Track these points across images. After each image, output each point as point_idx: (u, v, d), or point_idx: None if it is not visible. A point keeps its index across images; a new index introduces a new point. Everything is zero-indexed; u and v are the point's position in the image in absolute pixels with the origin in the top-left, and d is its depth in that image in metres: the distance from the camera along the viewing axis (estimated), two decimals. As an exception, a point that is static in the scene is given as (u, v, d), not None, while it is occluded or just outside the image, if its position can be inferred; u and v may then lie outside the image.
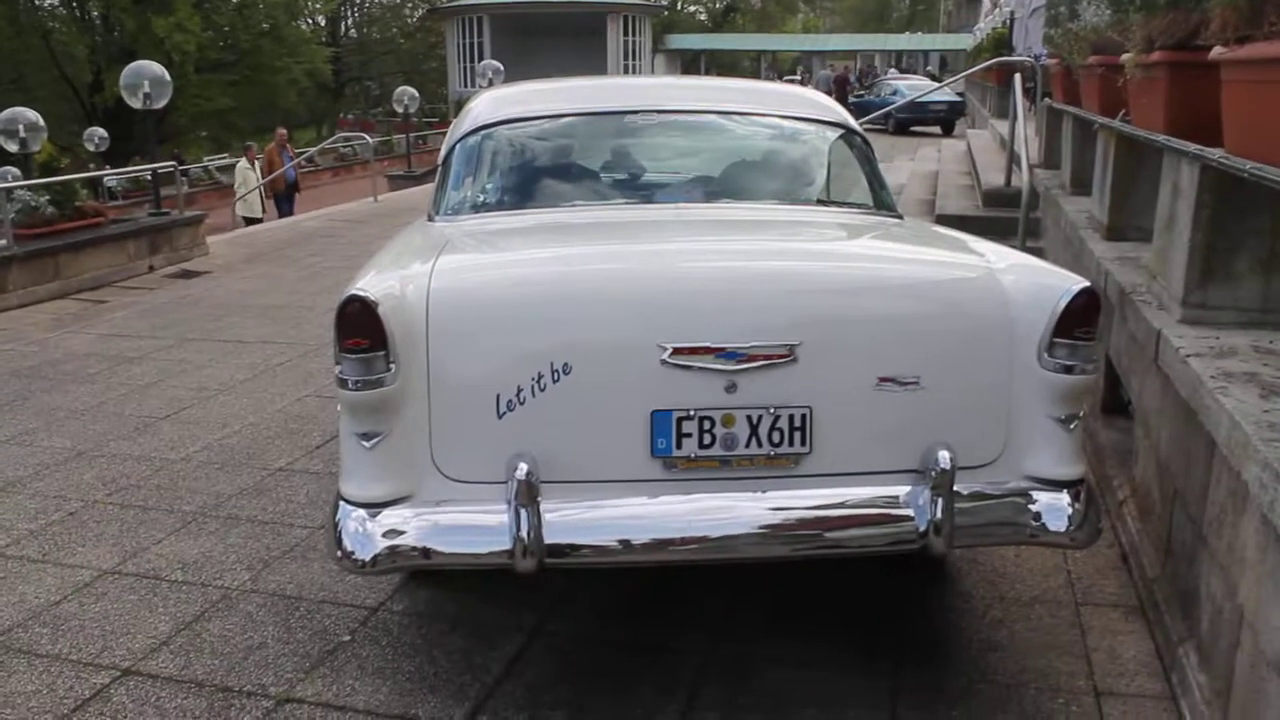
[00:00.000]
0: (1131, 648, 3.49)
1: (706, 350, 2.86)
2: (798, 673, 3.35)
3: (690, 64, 60.62)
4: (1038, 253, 7.83)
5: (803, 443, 2.92)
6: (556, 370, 2.88)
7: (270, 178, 17.66)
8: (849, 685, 3.28)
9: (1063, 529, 3.03)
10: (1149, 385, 4.01)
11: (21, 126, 10.36)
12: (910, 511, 2.89)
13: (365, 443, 2.93)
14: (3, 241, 9.55)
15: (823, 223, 3.99)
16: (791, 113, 4.46)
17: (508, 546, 2.79)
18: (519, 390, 2.88)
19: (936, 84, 30.56)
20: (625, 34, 46.75)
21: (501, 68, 21.00)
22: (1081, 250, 5.79)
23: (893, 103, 25.85)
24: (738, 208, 3.98)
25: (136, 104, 11.62)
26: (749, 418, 2.89)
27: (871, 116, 23.73)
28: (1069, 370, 2.96)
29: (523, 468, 2.78)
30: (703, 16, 68.79)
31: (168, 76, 11.92)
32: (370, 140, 20.86)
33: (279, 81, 42.95)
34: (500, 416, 2.89)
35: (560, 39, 44.74)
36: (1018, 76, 9.36)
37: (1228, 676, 2.77)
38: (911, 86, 29.52)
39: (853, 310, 3.02)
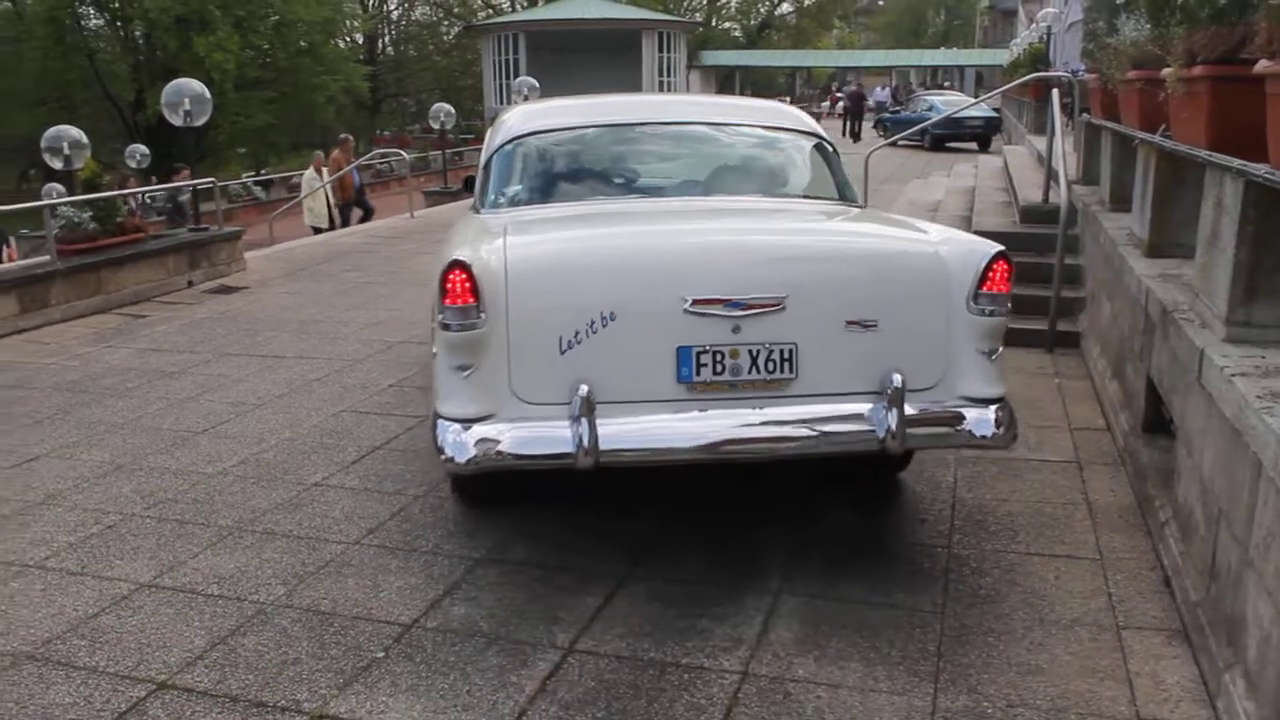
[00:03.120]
0: (1175, 673, 3.42)
1: (718, 301, 3.78)
2: (834, 694, 3.32)
3: (725, 80, 60.65)
4: (1076, 270, 7.79)
5: (790, 370, 3.86)
6: (605, 317, 3.79)
7: (337, 177, 17.48)
8: (887, 707, 3.24)
9: (989, 434, 4.02)
10: (1192, 405, 3.95)
11: (66, 144, 10.49)
12: (872, 423, 3.83)
13: (461, 373, 3.84)
14: (46, 257, 9.69)
15: (800, 210, 4.97)
16: (771, 123, 5.51)
17: (571, 450, 3.70)
18: (576, 333, 3.78)
19: (972, 99, 30.41)
20: (660, 50, 46.88)
21: (537, 84, 21.06)
22: (1122, 267, 5.72)
23: (928, 118, 25.74)
24: (729, 200, 4.95)
25: (177, 121, 11.75)
26: (750, 352, 3.82)
27: (908, 133, 23.65)
28: (990, 314, 3.96)
29: (583, 388, 3.69)
30: (737, 33, 68.84)
31: (208, 94, 12.04)
32: (406, 156, 21.01)
33: (317, 99, 43.40)
34: (562, 353, 3.79)
35: (595, 55, 44.91)
36: (1055, 92, 9.28)
37: (1277, 704, 2.71)
38: (947, 102, 29.39)
39: (826, 271, 4.01)
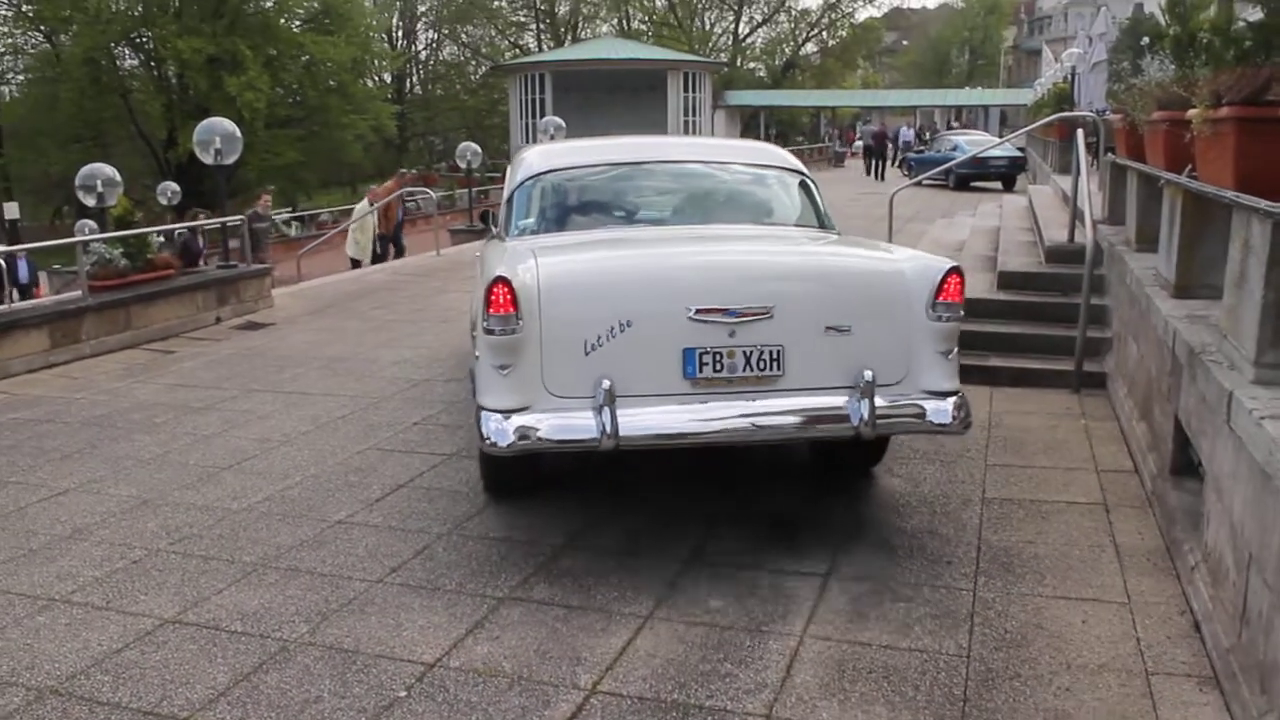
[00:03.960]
0: (1206, 720, 3.37)
1: (717, 310, 4.41)
2: (858, 739, 3.28)
3: (750, 120, 61.00)
4: (1102, 310, 7.75)
5: (778, 368, 4.49)
6: (622, 324, 4.41)
7: (382, 204, 17.60)
8: (911, 753, 3.20)
9: (946, 422, 4.61)
10: (1220, 447, 3.91)
11: (99, 182, 10.64)
12: (848, 412, 4.46)
13: (502, 372, 4.45)
14: (78, 293, 9.83)
15: (784, 236, 5.59)
16: (759, 161, 6.24)
17: (596, 435, 4.30)
18: (598, 338, 4.41)
19: (996, 139, 30.41)
20: (685, 90, 47.21)
21: (563, 124, 21.22)
22: (1148, 308, 5.69)
23: (953, 158, 25.73)
24: (723, 228, 5.58)
25: (208, 159, 11.90)
26: (744, 352, 4.46)
27: (932, 173, 23.66)
28: (945, 320, 4.60)
29: (606, 383, 4.32)
30: (762, 73, 69.24)
31: (239, 133, 12.20)
32: (433, 194, 21.17)
33: (345, 137, 43.93)
34: (586, 355, 4.40)
35: (620, 95, 45.27)
36: (1080, 132, 9.28)
37: (1309, 753, 2.66)
38: (972, 142, 29.39)
39: (807, 286, 4.67)
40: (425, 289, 13.02)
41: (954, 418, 4.61)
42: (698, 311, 4.40)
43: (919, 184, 18.53)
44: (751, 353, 4.45)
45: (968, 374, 7.46)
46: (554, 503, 5.37)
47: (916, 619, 4.08)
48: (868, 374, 4.44)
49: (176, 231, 14.85)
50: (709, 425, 4.44)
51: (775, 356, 4.47)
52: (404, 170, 20.68)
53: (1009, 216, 13.56)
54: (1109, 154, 9.17)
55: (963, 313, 4.71)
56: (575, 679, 3.67)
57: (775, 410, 4.48)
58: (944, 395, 4.63)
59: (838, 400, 4.49)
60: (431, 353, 9.06)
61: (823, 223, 5.80)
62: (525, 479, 5.37)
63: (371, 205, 17.60)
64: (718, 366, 4.44)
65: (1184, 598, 4.17)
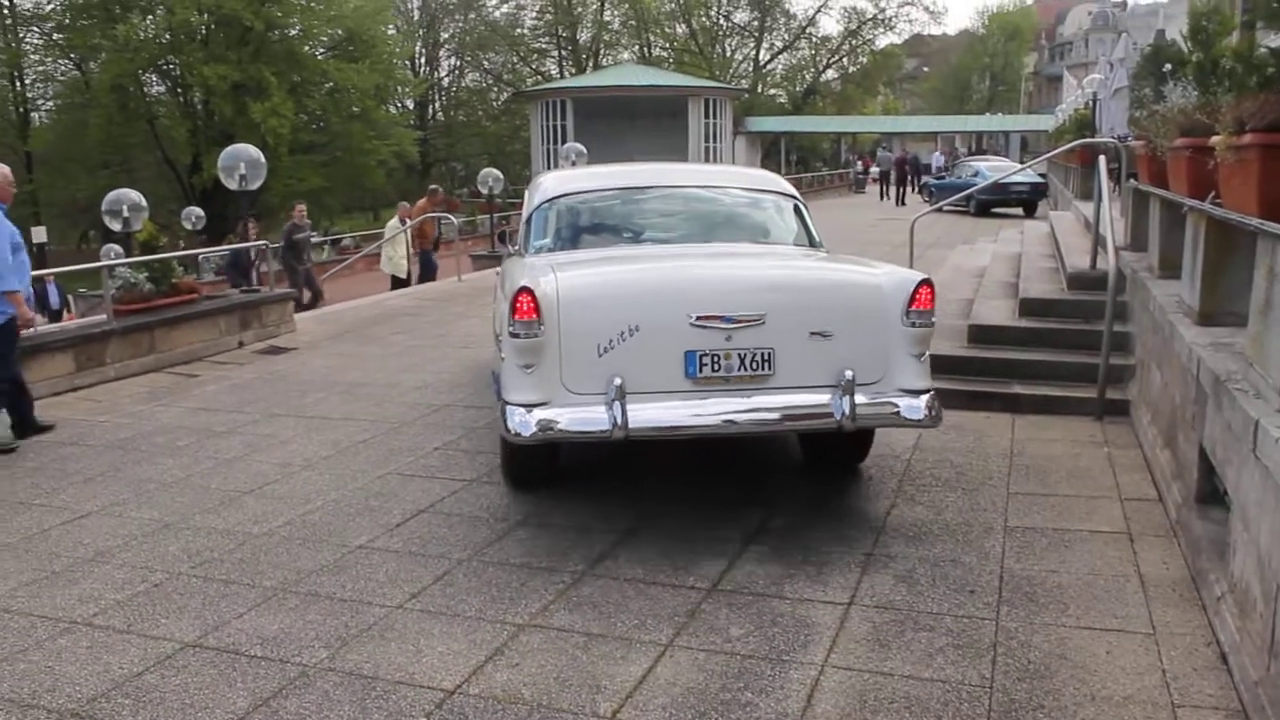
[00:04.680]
0: (1234, 754, 3.32)
1: (715, 317, 4.94)
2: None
3: (770, 146, 61.15)
4: (1125, 337, 7.71)
5: (770, 369, 5.01)
6: (631, 329, 4.93)
7: (417, 222, 17.64)
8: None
9: (920, 417, 5.14)
10: (1247, 476, 3.87)
11: (125, 207, 10.76)
12: (831, 408, 4.98)
13: (525, 371, 4.98)
14: (103, 316, 9.92)
15: (776, 252, 6.14)
16: (755, 186, 6.85)
17: (609, 427, 4.82)
18: (610, 341, 4.92)
19: (1017, 165, 30.35)
20: (706, 116, 47.40)
21: (584, 150, 21.28)
22: (1172, 335, 5.66)
23: (974, 184, 25.73)
24: (722, 246, 6.09)
25: (233, 185, 12.01)
26: (739, 355, 4.98)
27: (953, 199, 23.65)
28: (918, 326, 5.12)
29: (617, 380, 4.85)
30: (783, 99, 69.44)
31: (263, 159, 12.31)
32: (455, 220, 21.26)
33: (368, 163, 44.30)
34: (600, 356, 4.92)
35: (641, 121, 45.47)
36: (1102, 158, 9.26)
37: (1340, 789, 2.62)
38: (993, 168, 29.37)
39: (794, 296, 5.18)
40: (447, 314, 13.07)
41: (926, 413, 5.14)
42: (698, 318, 4.93)
43: (940, 210, 18.49)
44: (746, 355, 4.98)
45: (989, 401, 7.49)
46: (575, 530, 5.37)
47: (939, 648, 4.05)
48: (849, 374, 4.97)
49: (226, 241, 14.99)
50: (708, 419, 4.96)
51: (767, 358, 5.00)
52: (435, 187, 20.71)
53: (1030, 243, 13.53)
54: (1131, 180, 9.15)
55: (934, 320, 5.23)
56: (595, 707, 3.65)
57: (766, 406, 5.00)
58: (917, 393, 5.16)
59: (822, 397, 5.01)
60: (453, 378, 9.09)
61: (812, 242, 6.35)
62: (543, 471, 5.91)
63: (403, 223, 17.67)
64: (715, 367, 4.98)
65: (1210, 629, 4.12)
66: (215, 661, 4.04)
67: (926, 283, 5.16)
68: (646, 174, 7.35)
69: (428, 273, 18.14)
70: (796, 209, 6.56)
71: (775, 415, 5.02)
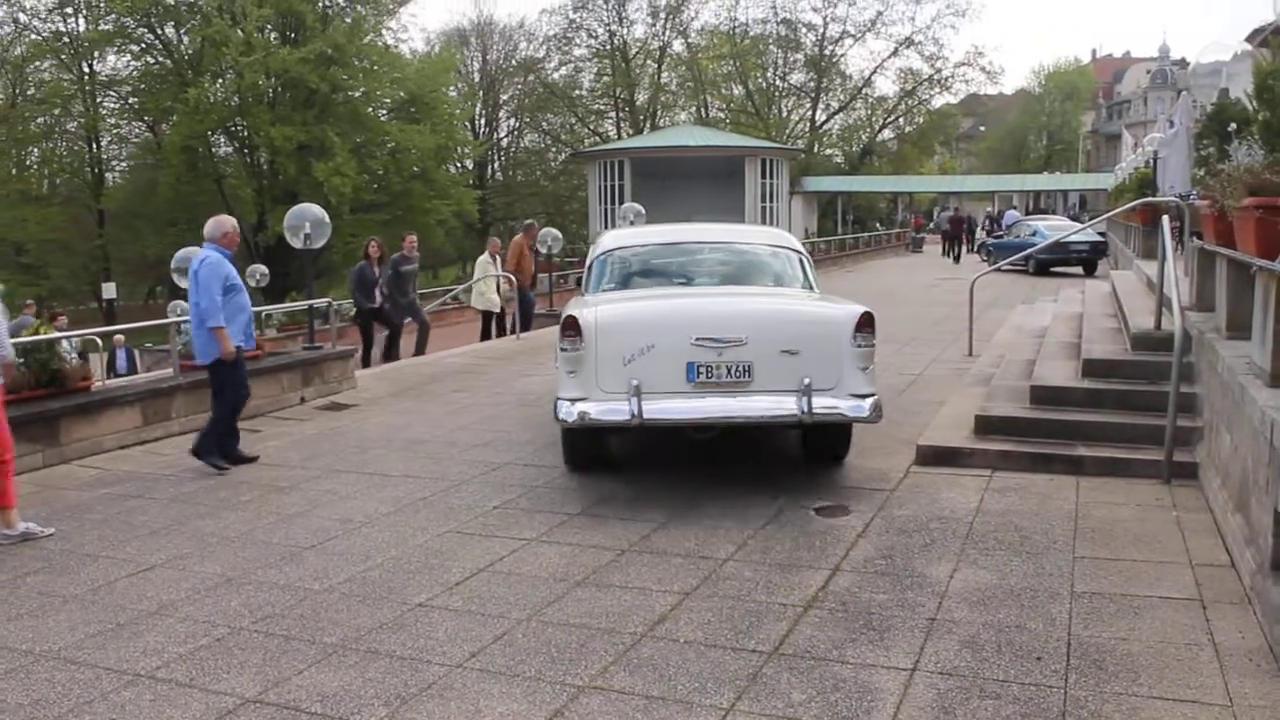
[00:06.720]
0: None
1: (710, 339, 6.71)
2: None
3: (827, 205, 61.24)
4: (1192, 398, 7.57)
5: (749, 377, 6.74)
6: (648, 346, 6.75)
7: (514, 257, 17.63)
8: None
9: (864, 415, 6.81)
10: (1325, 544, 3.76)
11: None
12: (795, 406, 6.63)
13: (570, 375, 6.86)
14: (169, 371, 10.11)
15: (772, 292, 7.92)
16: (769, 242, 8.83)
17: (628, 417, 6.58)
18: (632, 355, 6.74)
19: (1079, 224, 30.07)
20: (763, 176, 47.66)
21: (642, 210, 21.39)
22: (1242, 397, 5.54)
23: (1033, 243, 25.54)
24: (733, 288, 7.99)
25: (297, 244, 12.17)
26: (727, 366, 6.73)
27: (1013, 259, 23.46)
28: (861, 346, 6.84)
29: (635, 382, 6.64)
30: (839, 159, 69.61)
31: (328, 219, 12.47)
32: (514, 279, 21.38)
33: (428, 221, 44.91)
34: (624, 366, 6.72)
35: (699, 180, 45.77)
36: (1165, 217, 9.15)
37: None
38: (1052, 227, 29.15)
39: (770, 323, 6.96)
40: (506, 373, 13.15)
41: (869, 412, 6.82)
42: (697, 339, 6.72)
43: (998, 269, 18.38)
44: (732, 366, 6.73)
45: (1052, 463, 7.38)
46: (634, 590, 5.35)
47: (1005, 717, 3.95)
48: (808, 381, 6.65)
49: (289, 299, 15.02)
50: (704, 413, 6.71)
51: (748, 369, 6.74)
52: (530, 221, 20.79)
53: (1092, 302, 13.36)
54: (1195, 239, 9.03)
55: (874, 342, 6.93)
56: (654, 771, 3.60)
57: (748, 405, 6.70)
58: (863, 397, 6.85)
59: (789, 399, 6.66)
60: (511, 436, 9.13)
61: (809, 286, 8.16)
62: (594, 455, 7.69)
63: (493, 259, 17.60)
64: (709, 375, 6.74)
65: (1290, 702, 3.98)
66: (275, 718, 4.06)
67: (868, 314, 6.92)
68: (685, 232, 9.24)
69: (526, 310, 17.90)
70: (800, 260, 8.44)
71: (753, 411, 6.70)
